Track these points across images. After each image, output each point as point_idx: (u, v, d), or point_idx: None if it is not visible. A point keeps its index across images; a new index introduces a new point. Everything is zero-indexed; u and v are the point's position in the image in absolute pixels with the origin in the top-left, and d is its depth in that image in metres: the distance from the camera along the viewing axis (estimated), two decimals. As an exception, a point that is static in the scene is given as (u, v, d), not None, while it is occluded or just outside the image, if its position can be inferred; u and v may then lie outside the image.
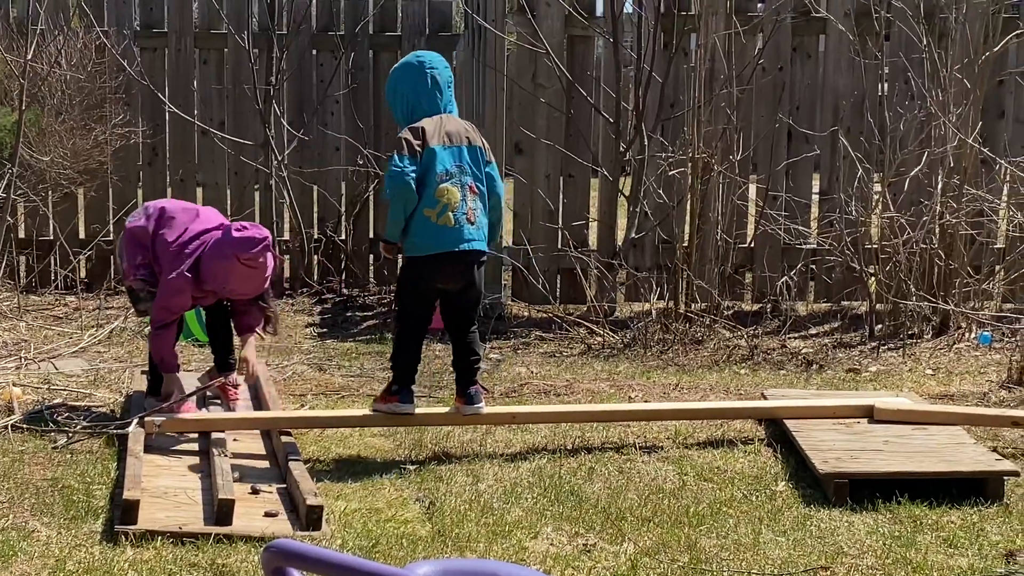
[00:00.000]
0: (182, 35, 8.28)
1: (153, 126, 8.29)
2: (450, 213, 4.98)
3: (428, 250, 5.00)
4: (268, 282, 5.26)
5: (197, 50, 8.32)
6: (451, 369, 6.64)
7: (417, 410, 5.23)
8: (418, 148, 4.95)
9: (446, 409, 5.37)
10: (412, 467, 4.99)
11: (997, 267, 7.56)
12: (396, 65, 5.27)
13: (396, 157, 4.95)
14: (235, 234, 5.12)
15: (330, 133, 8.33)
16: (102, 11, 8.20)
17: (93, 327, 7.19)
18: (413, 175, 4.92)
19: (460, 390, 5.21)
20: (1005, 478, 4.69)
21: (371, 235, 8.39)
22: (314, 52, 8.36)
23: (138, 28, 8.32)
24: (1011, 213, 7.38)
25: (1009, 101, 7.98)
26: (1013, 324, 6.95)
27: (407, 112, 5.10)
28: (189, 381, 5.62)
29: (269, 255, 5.14)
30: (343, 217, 8.36)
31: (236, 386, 5.62)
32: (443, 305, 5.18)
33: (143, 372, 5.95)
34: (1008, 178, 7.42)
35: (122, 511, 4.22)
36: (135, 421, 5.03)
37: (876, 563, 4.07)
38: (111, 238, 8.22)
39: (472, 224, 5.03)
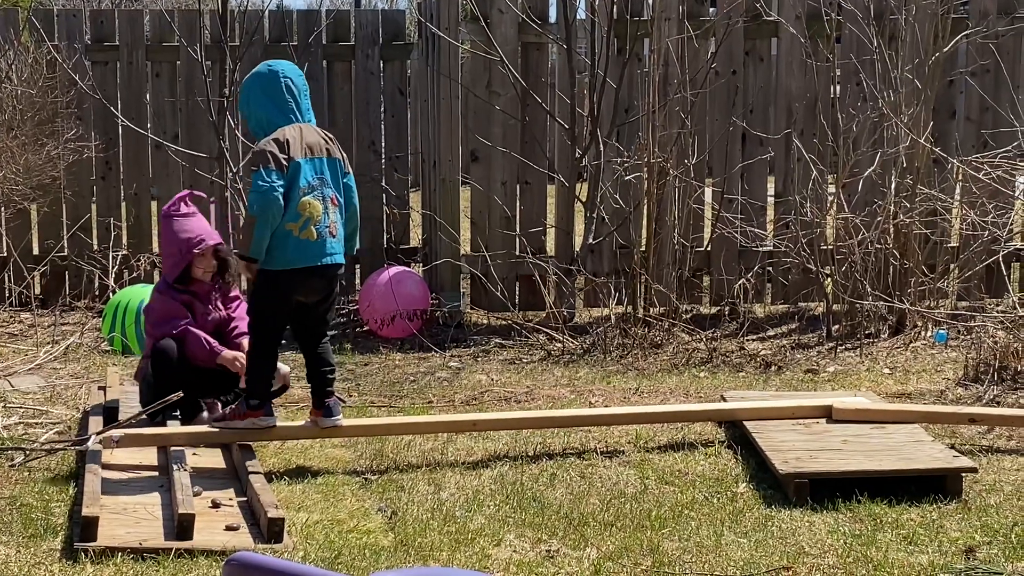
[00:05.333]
0: (134, 48, 8.23)
1: (106, 140, 8.22)
2: (312, 227, 4.92)
3: (290, 264, 4.91)
4: (219, 234, 5.40)
5: (149, 63, 8.27)
6: (411, 378, 6.65)
7: (279, 422, 5.18)
8: (284, 162, 4.86)
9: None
10: (373, 477, 4.97)
11: (951, 265, 7.63)
12: (248, 75, 5.16)
13: (263, 171, 4.83)
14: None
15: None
16: (52, 25, 8.14)
17: (48, 343, 7.13)
18: (281, 189, 4.84)
19: (317, 402, 5.12)
20: (963, 475, 4.73)
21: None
22: (267, 63, 8.32)
23: (89, 42, 8.26)
24: (964, 212, 7.45)
25: (960, 101, 8.05)
26: (968, 322, 7.01)
27: (263, 123, 4.99)
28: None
29: (212, 208, 5.19)
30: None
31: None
32: (295, 317, 5.09)
33: (100, 388, 5.90)
34: (960, 177, 7.49)
35: (81, 528, 4.18)
36: (94, 437, 4.98)
37: (837, 562, 4.10)
38: (65, 253, 8.15)
39: (334, 237, 5.00)
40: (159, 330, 5.35)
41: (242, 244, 4.95)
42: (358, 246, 5.40)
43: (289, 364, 5.63)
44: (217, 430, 5.11)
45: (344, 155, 5.15)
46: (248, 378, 5.13)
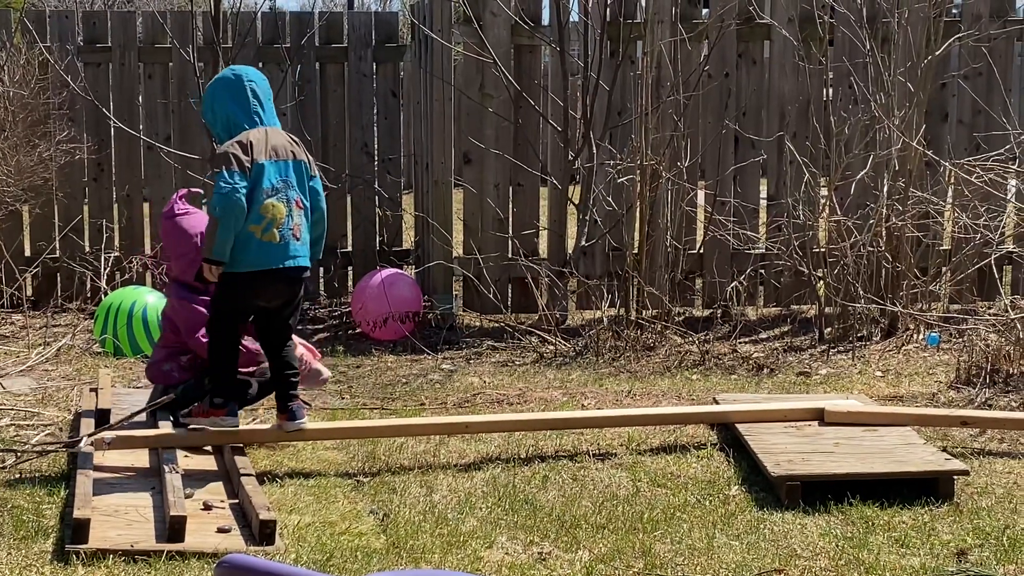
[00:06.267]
0: (126, 50, 8.21)
1: (98, 142, 8.21)
2: (275, 229, 4.91)
3: (252, 266, 4.91)
4: None
5: (141, 64, 8.26)
6: (403, 380, 6.65)
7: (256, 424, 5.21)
8: (247, 163, 4.86)
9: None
10: (366, 479, 4.97)
11: (943, 268, 7.64)
12: (211, 82, 5.18)
13: (226, 173, 4.83)
14: None
15: (278, 146, 8.27)
16: (44, 27, 8.13)
17: (40, 345, 7.11)
18: (244, 191, 4.84)
19: (281, 406, 5.11)
20: (955, 477, 4.74)
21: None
22: (260, 65, 8.29)
23: (81, 43, 8.24)
24: (956, 215, 7.46)
25: (952, 104, 8.07)
26: (960, 325, 7.02)
27: (227, 127, 4.99)
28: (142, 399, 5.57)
29: (204, 207, 5.19)
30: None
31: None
32: (258, 320, 5.08)
33: (91, 390, 5.89)
34: (952, 180, 7.50)
35: (73, 530, 4.18)
36: (85, 439, 4.97)
37: (829, 565, 4.10)
38: (57, 255, 8.14)
39: (298, 240, 4.98)
40: (195, 341, 5.30)
41: (205, 246, 4.95)
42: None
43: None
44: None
45: (310, 158, 5.15)
46: (211, 378, 5.12)
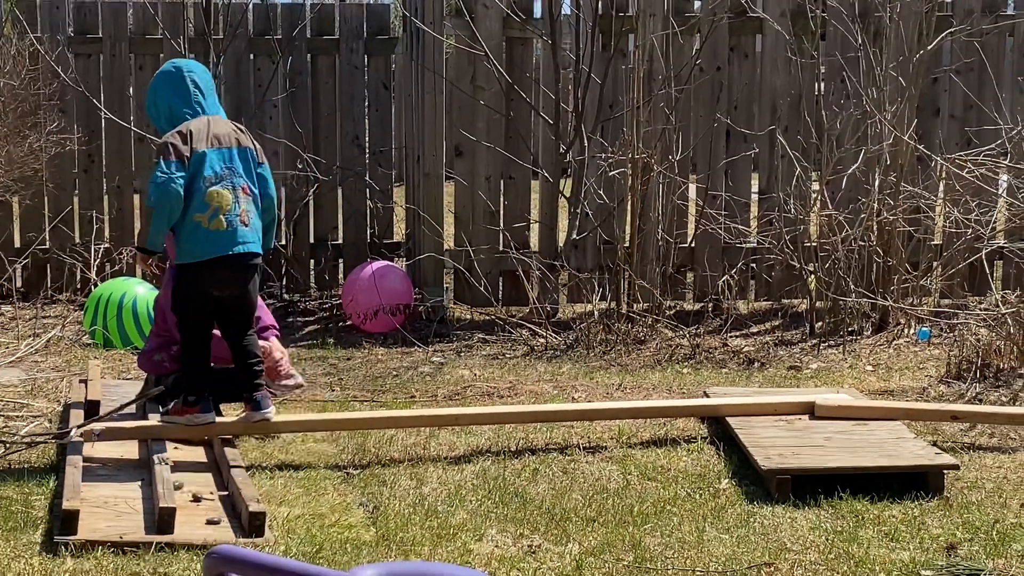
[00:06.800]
0: (117, 41, 8.19)
1: (88, 133, 8.18)
2: (222, 216, 4.91)
3: (202, 255, 4.91)
4: None
5: (132, 56, 8.24)
6: (394, 373, 6.65)
7: (217, 418, 5.13)
8: (185, 153, 4.86)
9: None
10: (355, 472, 4.96)
11: (934, 263, 7.64)
12: (154, 76, 5.20)
13: (162, 163, 4.84)
14: None
15: (268, 137, 8.24)
16: (35, 17, 8.09)
17: (30, 336, 7.09)
18: (181, 181, 4.84)
19: (246, 396, 5.09)
20: (945, 472, 4.75)
21: (311, 240, 8.35)
22: (251, 56, 8.30)
23: (72, 34, 8.21)
24: (947, 209, 7.47)
25: (944, 99, 8.07)
26: (951, 319, 7.03)
27: (170, 119, 4.99)
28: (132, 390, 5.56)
29: None
30: (283, 222, 8.30)
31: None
32: (217, 311, 5.05)
33: (81, 381, 5.88)
34: (944, 175, 7.50)
35: (62, 521, 4.17)
36: (75, 431, 4.96)
37: (819, 558, 4.10)
38: (47, 246, 8.12)
39: (246, 226, 4.97)
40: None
41: (140, 235, 4.95)
42: (280, 240, 5.35)
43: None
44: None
45: (257, 146, 5.15)
46: (184, 376, 5.10)
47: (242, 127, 5.17)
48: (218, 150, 4.94)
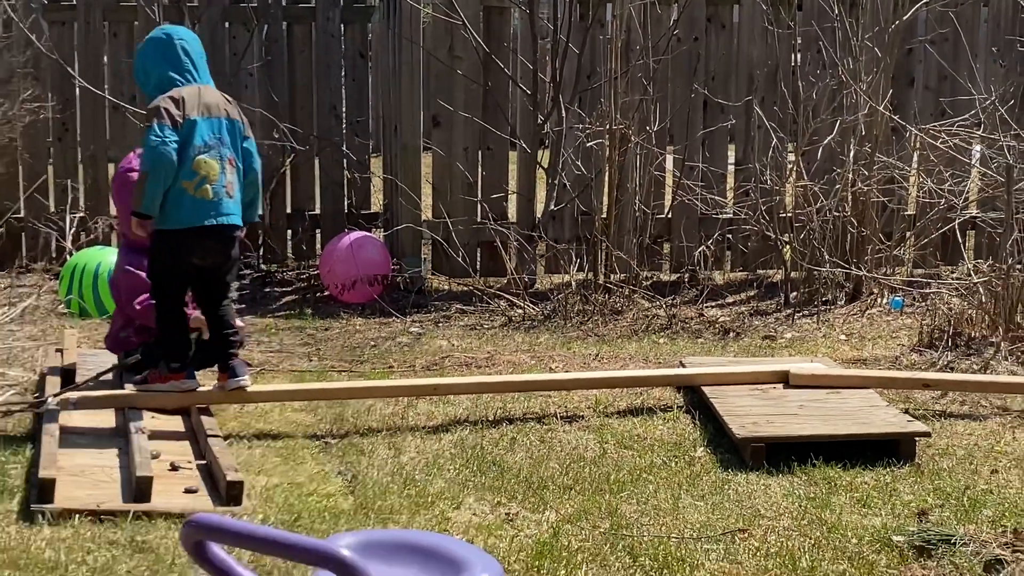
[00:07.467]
0: (91, 8, 8.13)
1: (63, 101, 8.13)
2: (208, 186, 4.90)
3: (185, 223, 4.89)
4: None
5: (107, 23, 8.18)
6: (372, 343, 6.66)
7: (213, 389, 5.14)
8: (179, 118, 4.85)
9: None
10: (334, 441, 4.98)
11: (908, 233, 7.70)
12: (142, 42, 5.16)
13: (156, 126, 4.82)
14: None
15: (244, 107, 8.19)
16: (8, -16, 8.03)
17: (5, 306, 7.06)
18: (175, 145, 4.83)
19: (222, 364, 5.10)
20: (917, 439, 4.79)
21: (288, 210, 8.33)
22: (227, 25, 8.26)
23: (46, 2, 8.15)
24: (921, 180, 7.51)
25: (919, 69, 8.10)
26: (924, 289, 7.08)
27: (160, 86, 4.96)
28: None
29: None
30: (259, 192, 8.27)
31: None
32: (195, 280, 5.06)
33: (57, 350, 5.87)
34: (918, 145, 7.55)
35: (38, 490, 4.17)
36: (51, 399, 4.96)
37: (792, 524, 4.14)
38: (21, 215, 8.08)
39: (231, 198, 4.97)
40: (132, 308, 5.30)
41: (135, 200, 4.91)
42: (260, 212, 5.35)
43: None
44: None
45: (244, 119, 5.14)
46: (164, 343, 5.08)
47: (230, 98, 5.15)
48: (208, 119, 4.93)
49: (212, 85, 5.09)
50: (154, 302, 5.10)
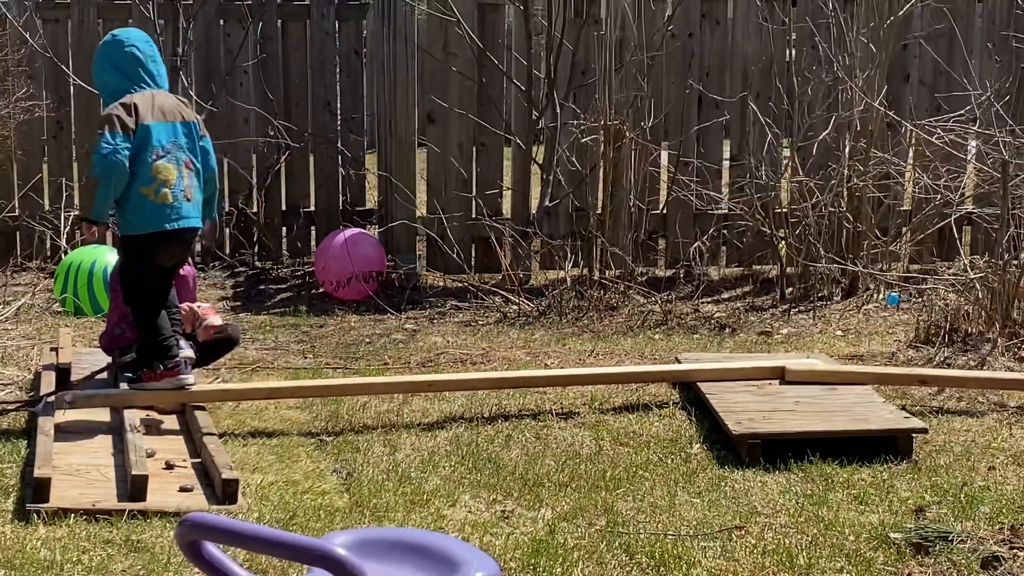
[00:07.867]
0: (85, 6, 8.12)
1: (57, 99, 8.12)
2: (167, 190, 4.94)
3: (146, 228, 4.95)
4: None
5: (101, 21, 8.16)
6: (367, 340, 6.65)
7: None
8: (131, 125, 4.88)
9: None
10: (329, 439, 4.97)
11: (904, 229, 7.69)
12: (97, 48, 5.18)
13: (108, 134, 4.84)
14: None
15: (239, 104, 8.22)
16: (1, -18, 8.02)
17: (0, 304, 7.05)
18: (127, 152, 4.86)
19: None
20: (914, 435, 4.79)
21: (283, 207, 8.33)
22: (221, 22, 8.25)
23: (40, 0, 8.14)
24: (916, 175, 7.51)
25: (914, 65, 8.10)
26: (920, 284, 7.08)
27: (113, 91, 4.99)
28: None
29: None
30: (254, 189, 8.28)
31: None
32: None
33: (52, 349, 5.85)
34: (913, 141, 7.54)
35: (33, 489, 4.16)
36: (45, 398, 4.94)
37: (789, 521, 4.14)
38: (16, 214, 8.06)
39: (189, 201, 5.02)
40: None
41: (83, 206, 4.99)
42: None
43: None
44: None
45: (199, 119, 5.18)
46: (149, 346, 5.07)
47: (184, 100, 5.20)
48: (163, 124, 4.97)
49: (166, 87, 5.12)
50: (130, 308, 5.12)
